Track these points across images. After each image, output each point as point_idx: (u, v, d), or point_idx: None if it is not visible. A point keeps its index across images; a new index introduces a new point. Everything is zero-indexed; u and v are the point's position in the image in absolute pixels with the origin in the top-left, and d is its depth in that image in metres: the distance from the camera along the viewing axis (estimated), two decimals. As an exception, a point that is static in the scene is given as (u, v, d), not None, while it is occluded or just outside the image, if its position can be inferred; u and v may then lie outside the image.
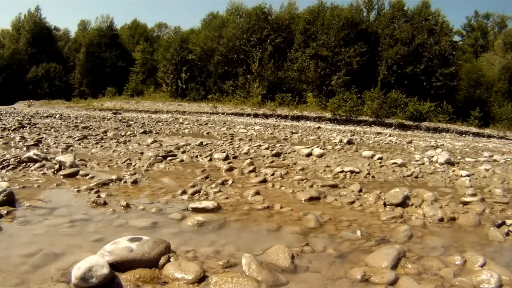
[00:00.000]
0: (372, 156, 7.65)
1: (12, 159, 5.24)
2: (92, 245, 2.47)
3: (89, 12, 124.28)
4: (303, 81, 28.71)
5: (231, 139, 10.46)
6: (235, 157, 6.91)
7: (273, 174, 5.32)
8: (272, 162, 6.53)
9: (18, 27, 44.83)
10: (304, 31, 29.78)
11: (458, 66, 29.85)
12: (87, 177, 4.66)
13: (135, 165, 5.69)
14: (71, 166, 4.89)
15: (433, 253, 2.71)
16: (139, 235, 2.43)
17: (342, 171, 5.77)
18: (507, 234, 3.18)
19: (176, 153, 6.98)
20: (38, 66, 40.96)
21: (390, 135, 17.47)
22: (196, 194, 4.07)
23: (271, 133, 14.06)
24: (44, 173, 4.71)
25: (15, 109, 27.03)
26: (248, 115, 25.81)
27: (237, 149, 8.03)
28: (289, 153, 7.71)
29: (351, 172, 5.77)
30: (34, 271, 2.12)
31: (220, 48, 31.52)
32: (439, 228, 3.39)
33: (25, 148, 6.86)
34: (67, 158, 5.08)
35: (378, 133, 19.68)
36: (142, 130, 11.71)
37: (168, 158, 6.35)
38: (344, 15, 28.76)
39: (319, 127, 20.76)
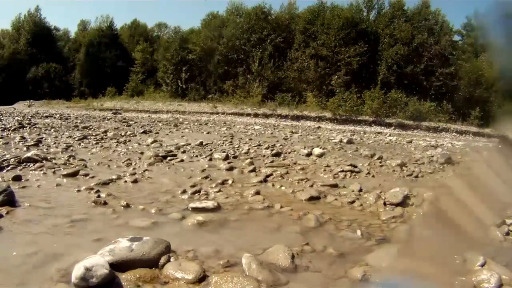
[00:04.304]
0: (372, 155, 7.65)
1: (12, 159, 5.24)
2: (92, 245, 2.47)
3: (89, 12, 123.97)
4: (303, 81, 28.70)
5: (231, 139, 10.45)
6: (235, 157, 6.90)
7: (273, 174, 5.31)
8: (272, 162, 6.53)
9: (18, 27, 44.77)
10: (304, 31, 29.77)
11: (458, 65, 29.82)
12: (87, 177, 4.66)
13: (135, 165, 5.68)
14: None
15: (433, 252, 2.71)
16: (139, 235, 2.43)
17: (342, 171, 5.77)
18: (507, 233, 3.17)
19: (176, 153, 6.97)
20: (38, 66, 40.90)
21: (390, 135, 17.46)
22: (196, 194, 4.07)
23: (271, 133, 14.05)
24: (44, 173, 4.71)
25: (15, 109, 27.02)
26: (248, 115, 25.80)
27: (237, 149, 8.03)
28: (289, 152, 7.71)
29: (351, 171, 5.77)
30: (34, 271, 2.12)
31: (220, 48, 31.51)
32: (439, 227, 3.39)
33: (25, 148, 6.86)
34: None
35: (378, 132, 19.67)
36: (142, 130, 11.71)
37: (168, 158, 6.35)
38: (344, 15, 28.75)
39: (319, 127, 20.74)
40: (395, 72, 27.46)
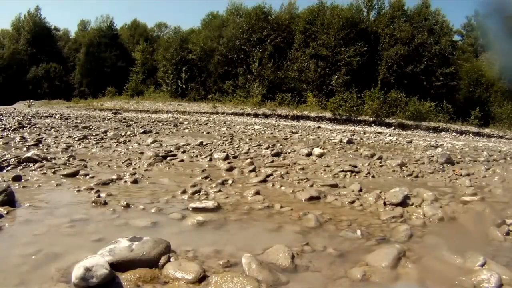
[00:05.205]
0: (372, 155, 7.65)
1: (12, 159, 5.24)
2: (92, 245, 2.47)
3: (89, 12, 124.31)
4: (303, 81, 28.69)
5: (231, 139, 10.45)
6: (235, 157, 6.91)
7: (273, 174, 5.31)
8: (272, 161, 6.53)
9: (18, 27, 44.79)
10: (304, 31, 29.76)
11: (458, 65, 29.85)
12: (87, 177, 4.66)
13: (135, 165, 5.69)
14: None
15: (433, 252, 2.71)
16: (139, 235, 2.43)
17: (342, 171, 5.77)
18: (507, 233, 3.17)
19: (176, 153, 6.97)
20: (38, 66, 40.91)
21: (390, 135, 17.47)
22: (196, 194, 4.07)
23: (271, 133, 14.06)
24: (44, 173, 4.71)
25: (15, 109, 27.01)
26: (248, 115, 25.79)
27: (237, 149, 8.03)
28: (289, 152, 7.71)
29: (351, 171, 5.77)
30: (34, 271, 2.11)
31: (220, 48, 31.51)
32: (439, 227, 3.39)
33: (25, 148, 6.86)
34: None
35: (378, 132, 19.68)
36: (142, 130, 11.70)
37: (168, 158, 6.35)
38: (344, 15, 28.76)
39: (319, 127, 20.75)
40: (395, 72, 27.47)
